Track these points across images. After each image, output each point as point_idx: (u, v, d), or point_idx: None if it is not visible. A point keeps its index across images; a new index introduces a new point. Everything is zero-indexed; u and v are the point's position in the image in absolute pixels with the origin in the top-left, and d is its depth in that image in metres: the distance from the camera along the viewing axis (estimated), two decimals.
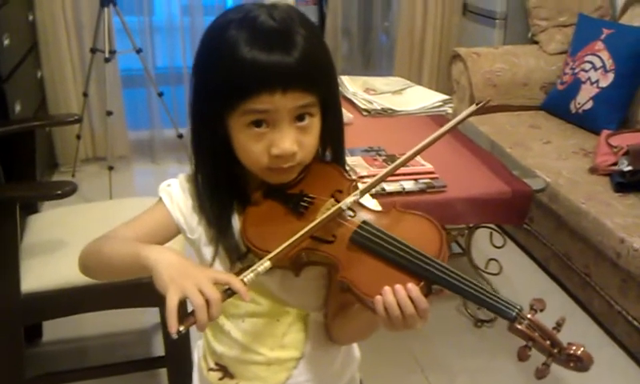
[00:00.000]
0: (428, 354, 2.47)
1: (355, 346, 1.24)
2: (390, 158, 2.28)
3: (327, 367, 1.16)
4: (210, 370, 1.16)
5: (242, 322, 1.10)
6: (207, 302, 0.87)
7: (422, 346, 2.49)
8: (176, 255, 0.94)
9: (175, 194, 1.11)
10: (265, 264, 0.94)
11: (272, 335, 1.10)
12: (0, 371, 1.95)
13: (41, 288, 1.85)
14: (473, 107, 1.09)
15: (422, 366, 2.41)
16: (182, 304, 0.87)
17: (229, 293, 0.89)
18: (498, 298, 0.92)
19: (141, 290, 1.85)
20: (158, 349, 2.33)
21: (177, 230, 1.10)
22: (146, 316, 2.50)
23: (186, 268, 0.91)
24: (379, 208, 1.11)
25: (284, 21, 0.99)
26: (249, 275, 0.92)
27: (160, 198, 1.11)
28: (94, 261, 1.08)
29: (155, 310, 2.00)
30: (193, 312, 0.87)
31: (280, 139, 0.99)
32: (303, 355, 1.12)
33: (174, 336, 0.84)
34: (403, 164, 1.10)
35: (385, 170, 1.08)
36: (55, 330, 2.47)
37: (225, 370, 1.14)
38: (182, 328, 0.85)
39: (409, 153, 1.09)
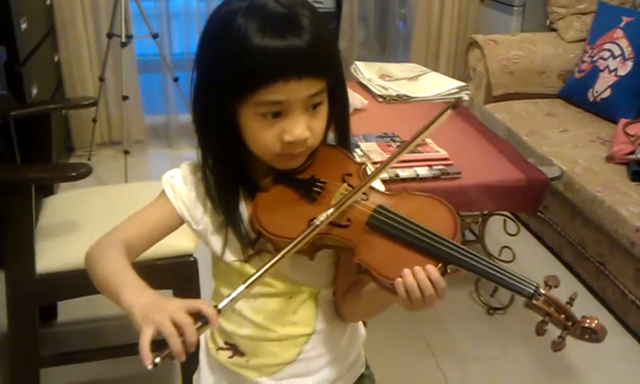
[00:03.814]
0: (440, 340, 2.47)
1: (360, 324, 1.26)
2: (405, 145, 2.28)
3: (336, 343, 1.17)
4: (220, 349, 1.17)
5: (255, 301, 1.11)
6: (180, 329, 0.86)
7: (434, 332, 2.49)
8: (150, 295, 0.93)
9: (177, 185, 1.11)
10: (240, 289, 0.92)
11: (283, 312, 1.11)
12: (16, 350, 1.98)
13: (55, 269, 1.87)
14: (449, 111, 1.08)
15: (435, 351, 2.41)
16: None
17: (203, 320, 0.88)
18: (515, 275, 0.93)
19: (154, 272, 1.87)
20: None
21: (181, 221, 1.11)
22: None
23: (159, 303, 0.90)
24: (383, 187, 1.12)
25: (290, 6, 0.98)
26: (225, 301, 0.91)
27: (163, 190, 1.12)
28: (91, 271, 1.07)
29: (168, 292, 2.01)
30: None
31: (292, 126, 0.99)
32: (314, 331, 1.14)
33: (149, 367, 0.84)
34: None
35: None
36: (70, 310, 2.50)
37: (235, 349, 1.15)
38: (157, 359, 0.84)
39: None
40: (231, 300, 0.91)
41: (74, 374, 2.20)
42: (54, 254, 1.90)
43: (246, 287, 0.93)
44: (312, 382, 1.15)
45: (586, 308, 2.60)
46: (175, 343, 0.85)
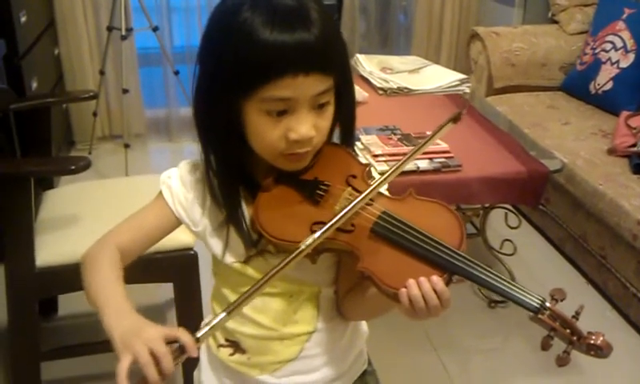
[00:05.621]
0: (441, 333, 2.46)
1: (362, 321, 1.24)
2: (405, 138, 2.27)
3: (338, 340, 1.16)
4: (220, 346, 1.16)
5: (255, 300, 1.09)
6: (156, 358, 0.86)
7: (435, 325, 2.48)
8: (130, 320, 0.93)
9: (175, 186, 1.09)
10: (221, 316, 0.92)
11: (285, 312, 1.10)
12: (16, 344, 1.98)
13: (55, 262, 1.87)
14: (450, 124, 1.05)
15: (435, 345, 2.40)
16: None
17: (181, 349, 0.88)
18: (521, 289, 0.91)
19: (155, 266, 1.87)
20: (171, 323, 2.34)
21: (178, 223, 1.10)
22: (160, 291, 2.52)
23: (137, 330, 0.90)
24: (387, 185, 1.10)
25: None
26: (204, 330, 0.91)
27: (161, 191, 1.10)
28: (83, 277, 1.07)
29: (169, 286, 2.01)
30: None
31: (298, 124, 0.97)
32: (316, 329, 1.12)
33: None
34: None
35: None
36: (70, 304, 2.49)
37: (236, 346, 1.14)
38: None
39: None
40: (210, 328, 0.91)
41: (75, 368, 2.20)
42: (53, 248, 1.89)
43: (227, 314, 0.92)
44: (313, 380, 1.14)
45: (587, 301, 2.60)
46: (151, 373, 0.85)
